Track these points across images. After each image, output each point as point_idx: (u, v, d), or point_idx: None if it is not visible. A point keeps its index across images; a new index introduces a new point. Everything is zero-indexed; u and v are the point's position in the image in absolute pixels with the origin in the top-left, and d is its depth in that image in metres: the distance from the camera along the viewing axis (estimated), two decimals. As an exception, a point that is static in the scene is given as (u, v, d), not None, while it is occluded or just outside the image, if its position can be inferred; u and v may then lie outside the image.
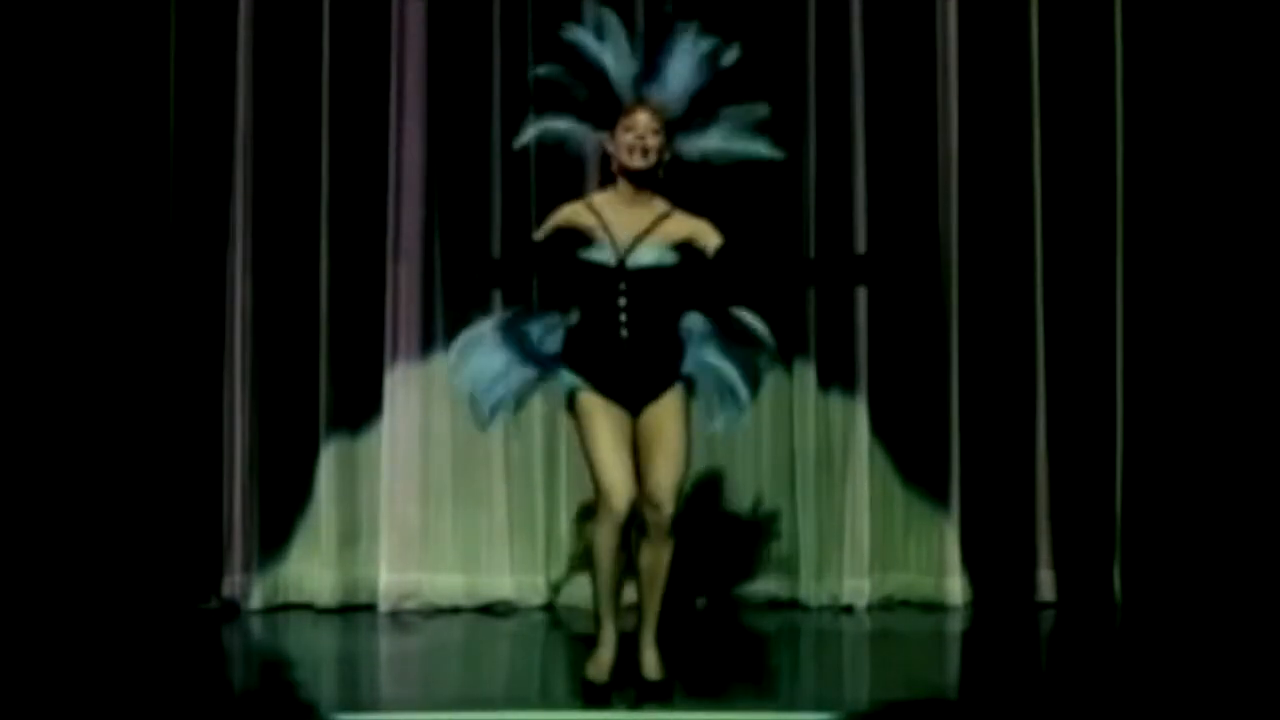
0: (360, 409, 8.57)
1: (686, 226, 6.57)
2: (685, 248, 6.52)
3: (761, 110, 6.69)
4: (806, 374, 8.61)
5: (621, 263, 6.46)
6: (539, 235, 6.58)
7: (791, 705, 6.67)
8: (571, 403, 6.54)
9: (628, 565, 6.50)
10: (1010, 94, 8.68)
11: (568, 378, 6.52)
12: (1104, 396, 8.67)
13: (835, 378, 8.63)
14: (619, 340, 6.46)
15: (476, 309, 8.53)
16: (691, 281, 6.57)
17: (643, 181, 6.55)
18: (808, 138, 8.59)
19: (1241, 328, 8.56)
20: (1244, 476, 8.50)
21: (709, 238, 6.56)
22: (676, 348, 6.52)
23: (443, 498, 8.57)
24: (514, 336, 6.57)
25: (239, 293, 8.50)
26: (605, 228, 6.49)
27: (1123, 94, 8.70)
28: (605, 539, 6.40)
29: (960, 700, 6.71)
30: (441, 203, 8.60)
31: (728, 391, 6.57)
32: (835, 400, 8.65)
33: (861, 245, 8.58)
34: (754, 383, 6.58)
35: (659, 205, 6.58)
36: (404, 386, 8.56)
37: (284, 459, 8.53)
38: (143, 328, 8.43)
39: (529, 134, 6.76)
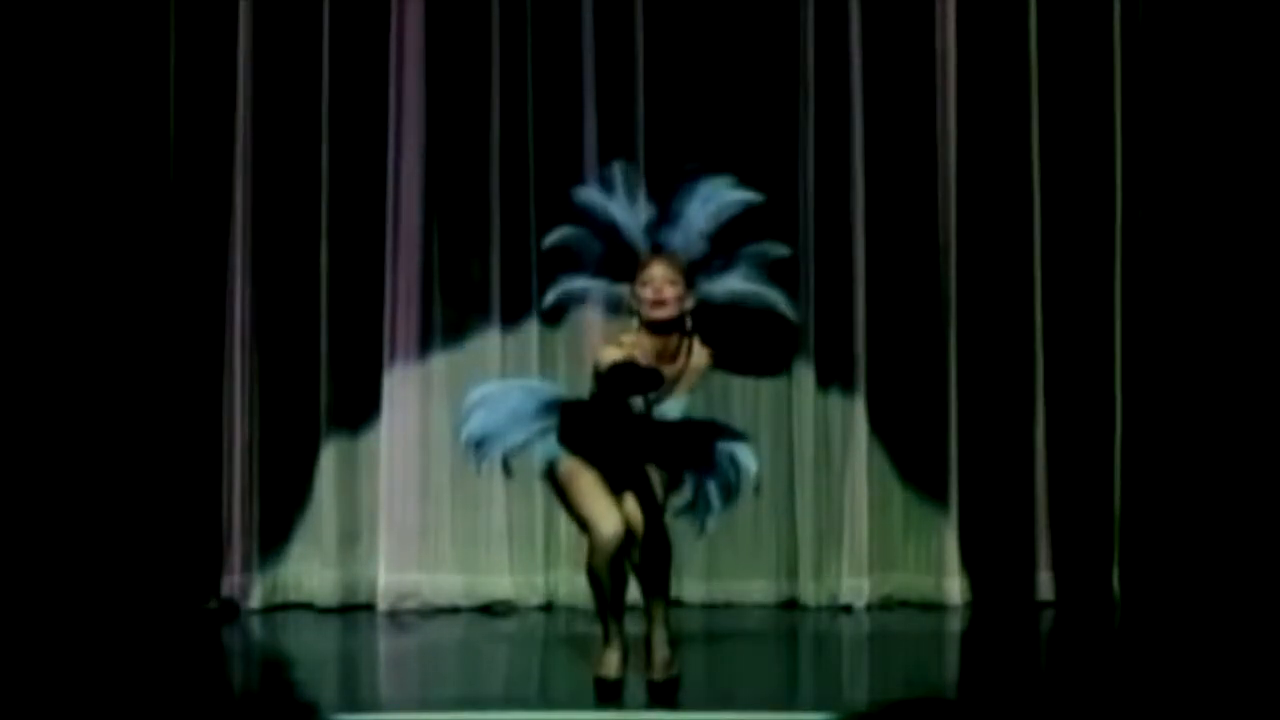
0: (359, 409, 8.57)
1: (703, 357, 6.50)
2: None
3: (780, 249, 6.55)
4: (805, 374, 8.60)
5: (648, 410, 6.42)
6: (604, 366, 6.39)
7: (790, 705, 6.67)
8: (551, 471, 6.45)
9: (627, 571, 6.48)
10: (1009, 94, 8.68)
11: (554, 449, 6.43)
12: (1103, 397, 8.67)
13: (834, 377, 8.64)
14: (619, 456, 6.41)
15: (475, 312, 8.59)
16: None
17: (667, 331, 6.46)
18: (806, 138, 8.59)
19: (1241, 328, 8.56)
20: (1243, 477, 8.49)
21: (704, 353, 6.50)
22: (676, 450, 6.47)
23: (442, 498, 8.58)
24: (520, 398, 6.55)
25: (239, 293, 8.50)
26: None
27: (1121, 94, 8.70)
28: (600, 565, 6.38)
29: (959, 700, 6.70)
30: (440, 204, 8.61)
31: (703, 499, 6.43)
32: (834, 400, 8.65)
33: (860, 247, 8.61)
34: (729, 499, 6.45)
35: (683, 349, 6.47)
36: (403, 387, 8.56)
37: (284, 459, 8.53)
38: (143, 328, 8.42)
39: (551, 298, 6.62)
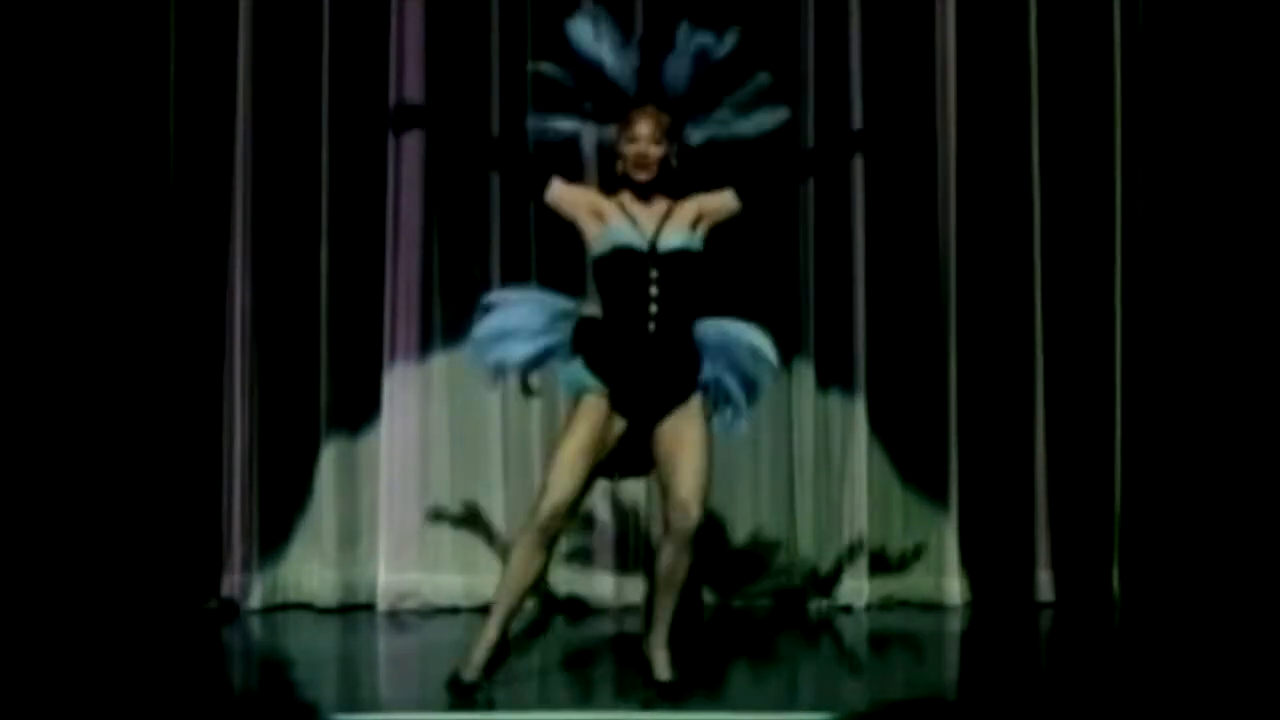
0: (359, 409, 8.58)
1: (697, 202, 6.53)
2: (709, 232, 6.52)
3: (761, 79, 6.61)
4: (805, 373, 8.61)
5: (653, 246, 6.43)
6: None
7: (790, 705, 6.67)
8: (576, 399, 6.45)
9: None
10: (1009, 94, 8.69)
11: (581, 376, 6.43)
12: (1102, 396, 8.68)
13: (834, 377, 8.64)
14: (646, 335, 6.39)
15: (475, 312, 8.59)
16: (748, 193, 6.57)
17: (650, 187, 6.52)
18: (805, 138, 8.59)
19: (1240, 328, 8.57)
20: (1243, 476, 8.50)
21: (721, 195, 6.55)
22: (695, 352, 6.45)
23: (442, 498, 8.58)
24: (534, 306, 6.53)
25: (239, 293, 8.51)
26: (627, 213, 6.47)
27: (1121, 94, 8.70)
28: (525, 540, 6.35)
29: (959, 700, 6.71)
30: (440, 203, 8.61)
31: (726, 401, 6.49)
32: (834, 400, 8.66)
33: (860, 247, 8.62)
34: (754, 396, 6.51)
35: (668, 198, 6.55)
36: (403, 387, 8.57)
37: (284, 459, 8.53)
38: (143, 328, 8.43)
39: (536, 125, 6.70)
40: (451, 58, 8.61)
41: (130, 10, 8.45)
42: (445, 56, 8.61)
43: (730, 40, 6.57)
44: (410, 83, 8.57)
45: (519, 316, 6.50)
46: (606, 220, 6.45)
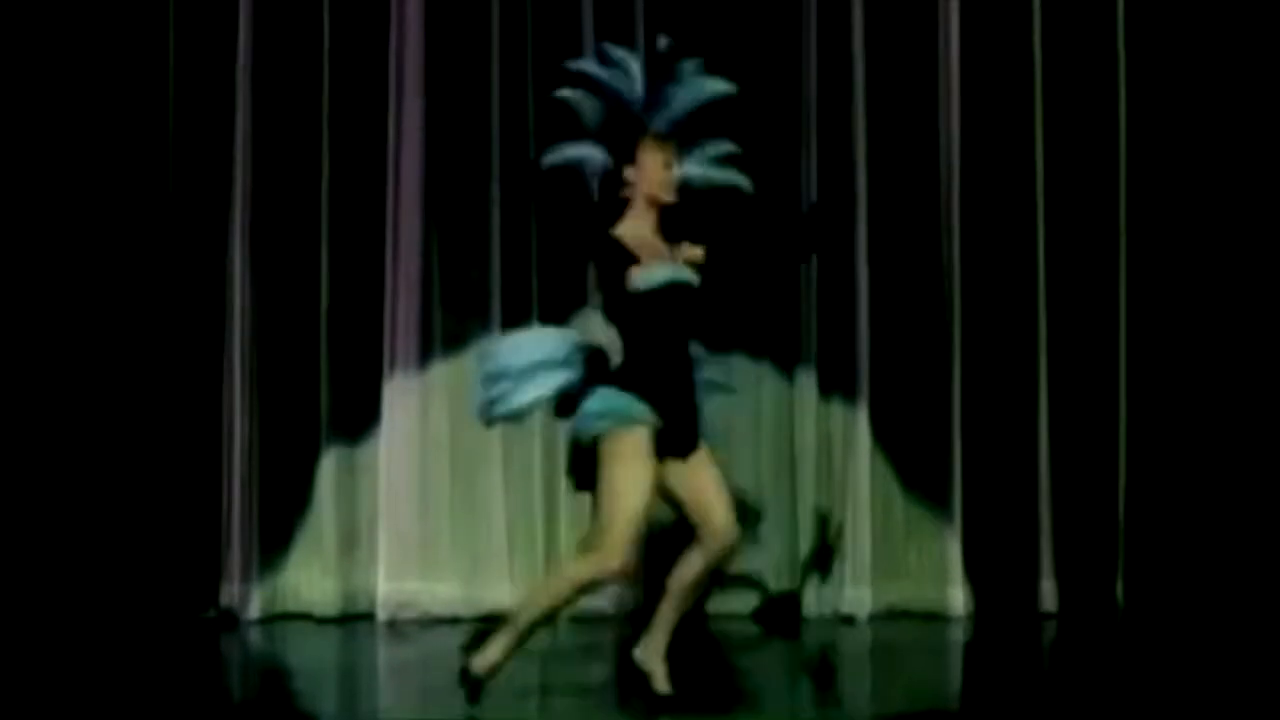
0: (359, 418, 8.57)
1: (684, 246, 6.48)
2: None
3: (730, 146, 6.57)
4: (808, 382, 8.60)
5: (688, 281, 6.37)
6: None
7: (792, 716, 6.65)
8: (619, 429, 6.23)
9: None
10: (1013, 95, 8.67)
11: (632, 407, 6.21)
12: (1107, 405, 8.66)
13: (836, 386, 8.62)
14: (690, 368, 6.31)
15: (475, 320, 8.57)
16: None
17: (664, 213, 6.45)
18: (808, 139, 8.58)
19: (1247, 337, 8.54)
20: (1248, 486, 8.48)
21: (695, 250, 6.48)
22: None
23: (441, 507, 8.56)
24: (551, 338, 6.46)
25: (239, 300, 8.50)
26: (656, 250, 6.38)
27: (1126, 96, 8.69)
28: (578, 580, 6.24)
29: (962, 711, 6.69)
30: (440, 210, 8.60)
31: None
32: (836, 408, 8.64)
33: (863, 255, 8.60)
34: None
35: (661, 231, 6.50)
36: (403, 395, 8.55)
37: (283, 467, 8.52)
38: (143, 334, 8.42)
39: (550, 159, 6.55)
40: (451, 63, 8.60)
41: (130, 10, 8.45)
42: (445, 62, 8.60)
43: (728, 85, 6.56)
44: (409, 87, 8.57)
45: (541, 349, 6.35)
46: (653, 253, 6.37)
